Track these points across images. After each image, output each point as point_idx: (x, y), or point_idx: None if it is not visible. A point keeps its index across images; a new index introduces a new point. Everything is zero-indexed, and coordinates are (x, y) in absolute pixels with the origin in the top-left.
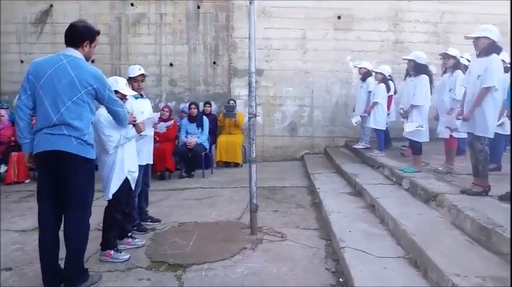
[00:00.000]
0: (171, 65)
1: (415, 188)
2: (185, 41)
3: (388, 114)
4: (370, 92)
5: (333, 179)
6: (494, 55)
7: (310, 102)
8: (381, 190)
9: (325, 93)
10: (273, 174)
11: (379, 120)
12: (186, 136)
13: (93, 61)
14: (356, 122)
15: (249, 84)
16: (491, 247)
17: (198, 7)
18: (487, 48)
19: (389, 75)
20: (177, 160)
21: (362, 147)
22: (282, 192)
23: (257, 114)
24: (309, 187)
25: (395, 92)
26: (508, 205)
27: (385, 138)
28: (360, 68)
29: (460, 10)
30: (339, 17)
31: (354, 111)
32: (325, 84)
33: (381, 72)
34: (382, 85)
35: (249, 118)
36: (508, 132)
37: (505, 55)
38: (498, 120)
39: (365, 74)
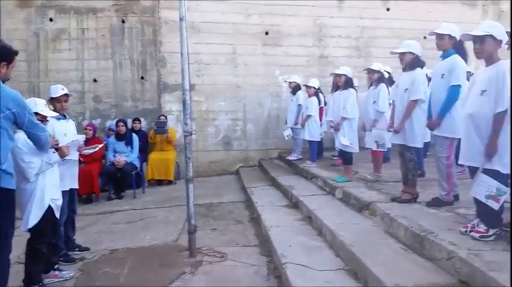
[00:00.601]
0: (95, 80)
1: (348, 198)
2: (109, 56)
3: (320, 125)
4: (300, 105)
5: (269, 192)
6: (418, 69)
7: (243, 116)
8: (317, 201)
9: (257, 106)
10: (209, 190)
11: (313, 132)
12: (114, 155)
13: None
14: (288, 135)
15: (183, 102)
16: (425, 254)
17: (123, 21)
18: (411, 62)
19: (318, 88)
20: (105, 180)
21: (295, 158)
22: (219, 208)
23: (193, 132)
24: (246, 201)
25: (325, 104)
26: (434, 210)
27: (317, 149)
28: (290, 82)
29: (379, 25)
30: (266, 33)
31: (286, 123)
32: (257, 98)
33: (313, 87)
34: (314, 98)
35: (185, 136)
36: (428, 139)
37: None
38: None
39: (295, 88)
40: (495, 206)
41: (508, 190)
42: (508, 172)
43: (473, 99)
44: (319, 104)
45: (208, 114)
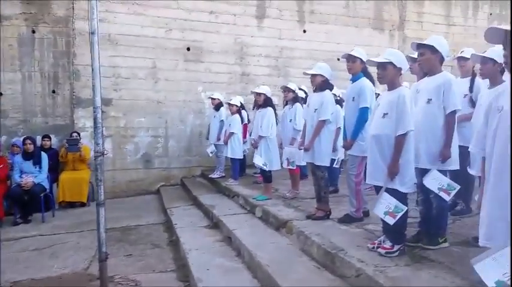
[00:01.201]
0: (1, 94)
1: (267, 216)
2: (17, 67)
3: (244, 142)
4: (222, 121)
5: (190, 212)
6: (327, 91)
7: (164, 133)
8: (237, 221)
9: (180, 123)
10: (127, 211)
11: (235, 149)
12: (20, 176)
13: None
14: (211, 152)
15: (94, 119)
16: (336, 271)
17: (33, 31)
18: (321, 84)
19: (241, 105)
20: (10, 203)
21: (218, 176)
22: (136, 232)
23: (105, 152)
24: (166, 222)
25: (248, 121)
26: (346, 227)
27: (240, 167)
28: (213, 98)
29: (296, 46)
30: (188, 49)
31: (207, 139)
32: (179, 114)
33: (235, 105)
34: (237, 116)
35: (96, 157)
36: (342, 157)
37: (336, 90)
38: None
39: (218, 105)
40: (391, 222)
41: (405, 207)
42: (408, 191)
43: (376, 122)
44: (243, 121)
45: (127, 130)
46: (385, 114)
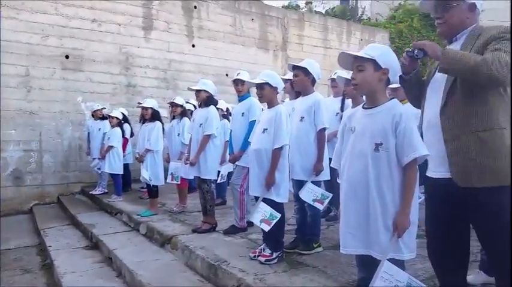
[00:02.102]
0: None
1: (151, 233)
2: None
3: (124, 156)
4: (105, 133)
5: (67, 232)
6: (212, 106)
7: (38, 146)
8: (119, 240)
9: (56, 135)
10: None
11: (114, 164)
12: None
13: None
14: (98, 168)
15: None
16: (219, 283)
17: None
18: (206, 100)
19: (123, 118)
20: None
21: (100, 192)
22: (3, 257)
23: None
24: (39, 245)
25: (131, 135)
26: (230, 238)
27: (124, 182)
28: (97, 110)
29: (185, 60)
30: (67, 56)
31: (88, 154)
32: (56, 127)
33: (116, 117)
34: (117, 129)
35: None
36: (230, 170)
37: (223, 104)
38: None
39: (102, 116)
40: (266, 228)
41: (279, 215)
42: (283, 201)
43: (257, 137)
44: (124, 134)
45: None
46: (264, 130)
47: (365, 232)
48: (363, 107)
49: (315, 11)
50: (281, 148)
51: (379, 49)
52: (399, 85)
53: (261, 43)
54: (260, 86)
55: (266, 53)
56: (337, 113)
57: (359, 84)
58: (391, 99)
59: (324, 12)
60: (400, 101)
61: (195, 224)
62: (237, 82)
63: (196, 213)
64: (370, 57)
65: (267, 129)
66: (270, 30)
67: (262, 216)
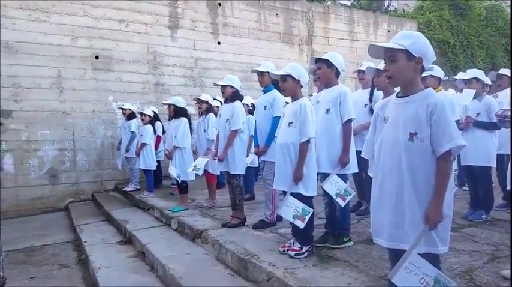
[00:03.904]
0: None
1: (182, 227)
2: None
3: (156, 153)
4: (133, 132)
5: (102, 228)
6: (237, 101)
7: (72, 145)
8: (151, 234)
9: (89, 134)
10: (32, 231)
11: (147, 161)
12: None
13: None
14: (120, 164)
15: None
16: (249, 277)
17: None
18: (232, 95)
19: (155, 116)
20: None
21: (132, 189)
22: (41, 252)
23: (1, 168)
24: (75, 241)
25: (163, 132)
26: (259, 233)
27: (155, 178)
28: (124, 109)
29: (211, 57)
30: (96, 57)
31: (118, 149)
32: (88, 126)
33: (148, 115)
34: (149, 126)
35: None
36: (256, 165)
37: (249, 100)
38: (247, 156)
39: (129, 115)
40: (301, 225)
41: (311, 210)
42: (311, 194)
43: (283, 131)
44: (156, 132)
45: (30, 144)
46: (290, 124)
47: (399, 224)
48: (397, 96)
49: (341, 3)
50: (308, 141)
51: (411, 37)
52: (428, 74)
53: (286, 38)
54: (283, 79)
55: (291, 47)
56: (366, 105)
57: (393, 76)
58: (426, 87)
59: (349, 5)
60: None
61: (224, 218)
62: (258, 73)
63: (226, 208)
64: (401, 48)
65: (292, 123)
66: (294, 25)
67: (294, 212)
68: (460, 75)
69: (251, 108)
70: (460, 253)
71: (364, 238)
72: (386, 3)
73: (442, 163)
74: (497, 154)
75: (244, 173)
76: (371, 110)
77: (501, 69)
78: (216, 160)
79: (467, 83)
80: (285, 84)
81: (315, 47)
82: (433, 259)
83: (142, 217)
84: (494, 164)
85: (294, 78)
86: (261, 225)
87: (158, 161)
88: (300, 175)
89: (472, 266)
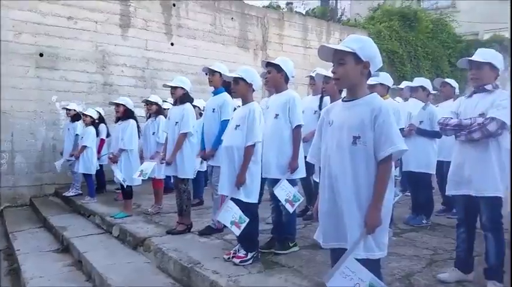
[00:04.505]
0: None
1: (124, 235)
2: None
3: (98, 158)
4: (77, 135)
5: (38, 235)
6: (188, 104)
7: (10, 147)
8: (90, 242)
9: (29, 136)
10: None
11: (88, 164)
12: None
13: None
14: (59, 167)
15: None
16: (191, 286)
17: None
18: (182, 97)
19: (99, 118)
20: None
21: (73, 194)
22: None
23: None
24: (7, 249)
25: (107, 135)
26: (205, 239)
27: (99, 183)
28: (69, 109)
29: (164, 58)
30: (41, 54)
31: (61, 155)
32: (29, 126)
33: (90, 115)
34: (91, 128)
35: None
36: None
37: (201, 103)
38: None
39: (74, 117)
40: (236, 232)
41: (247, 219)
42: (252, 201)
43: (229, 133)
44: (99, 135)
45: None
46: (237, 126)
47: (342, 227)
48: (343, 100)
49: (296, 11)
50: (253, 145)
51: (360, 41)
52: (378, 82)
53: (241, 42)
54: (235, 81)
55: (246, 52)
56: (315, 111)
57: (340, 78)
58: (371, 93)
59: (304, 13)
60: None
61: (169, 225)
62: (208, 72)
63: (172, 214)
64: (350, 51)
65: (239, 125)
66: (250, 30)
67: (232, 218)
68: (405, 84)
69: (203, 111)
70: (401, 258)
71: (310, 242)
72: (339, 13)
73: (382, 167)
74: (437, 161)
75: (193, 177)
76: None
77: (446, 79)
78: (164, 164)
79: (414, 90)
80: (237, 87)
81: (270, 52)
82: (373, 264)
83: (82, 224)
84: (433, 171)
85: (246, 82)
86: (207, 231)
87: (101, 165)
88: (242, 179)
89: (411, 270)
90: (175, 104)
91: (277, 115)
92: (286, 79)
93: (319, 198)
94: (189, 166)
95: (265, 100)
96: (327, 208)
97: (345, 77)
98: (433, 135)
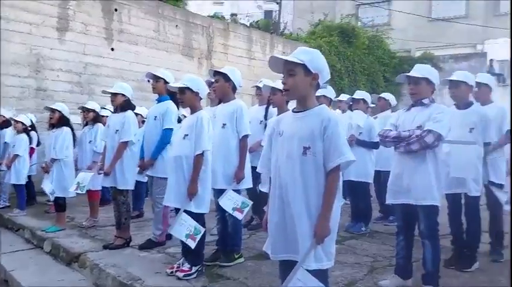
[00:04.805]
0: None
1: (57, 250)
2: None
3: (30, 166)
4: (6, 143)
5: None
6: (129, 111)
7: None
8: (19, 259)
9: None
10: None
11: (19, 175)
12: None
13: None
14: None
15: None
16: None
17: None
18: (123, 104)
19: (31, 125)
20: None
21: (1, 206)
22: None
23: None
24: None
25: (38, 144)
26: (146, 253)
27: (28, 194)
28: None
29: (103, 64)
30: None
31: None
32: None
33: (21, 122)
34: (23, 135)
35: None
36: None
37: (143, 110)
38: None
39: (3, 123)
40: (192, 245)
41: (202, 229)
42: (204, 211)
43: (177, 143)
44: (31, 143)
45: None
46: (185, 136)
47: (291, 238)
48: (293, 111)
49: (240, 23)
50: (202, 154)
51: (309, 53)
52: (321, 94)
53: (185, 50)
54: (181, 91)
55: (191, 60)
56: (261, 122)
57: (290, 89)
58: (320, 104)
59: (248, 25)
60: None
61: (107, 239)
62: (152, 78)
63: (109, 227)
64: (300, 62)
65: (187, 135)
66: (194, 38)
67: (187, 230)
68: (343, 97)
69: (145, 119)
70: (343, 266)
71: (255, 253)
72: (282, 26)
73: (331, 177)
74: (375, 171)
75: (133, 188)
76: (266, 127)
77: (382, 93)
78: (102, 174)
79: (356, 102)
80: (184, 97)
81: (215, 62)
82: (322, 274)
83: (10, 239)
84: (371, 180)
85: (192, 91)
86: (148, 245)
87: (29, 176)
88: (194, 190)
89: (354, 278)
90: (115, 111)
91: (224, 125)
92: (234, 89)
93: (268, 208)
94: (130, 176)
95: (213, 109)
96: (277, 219)
97: (294, 88)
98: (371, 146)
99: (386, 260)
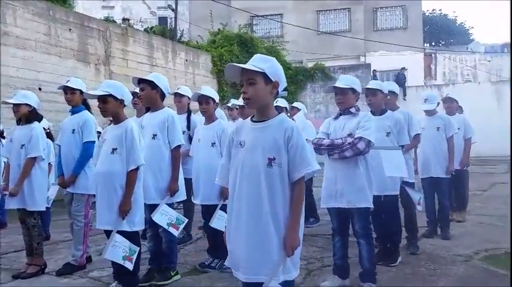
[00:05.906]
0: None
1: None
2: None
3: None
4: None
5: None
6: (36, 123)
7: None
8: None
9: None
10: None
11: None
12: None
13: None
14: None
15: None
16: None
17: None
18: (28, 115)
19: None
20: None
21: None
22: None
23: None
24: None
25: None
26: (67, 279)
27: None
28: None
29: None
30: None
31: None
32: None
33: None
34: None
35: None
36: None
37: (45, 122)
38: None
39: None
40: (130, 266)
41: (137, 248)
42: (138, 229)
43: (104, 158)
44: None
45: None
46: (114, 150)
47: (256, 255)
48: (252, 120)
49: (137, 29)
50: (137, 169)
51: (268, 61)
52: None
53: (80, 55)
54: (103, 99)
55: (87, 66)
56: (184, 132)
57: (251, 98)
58: (279, 113)
59: (143, 31)
60: None
61: (14, 267)
62: (66, 90)
63: (13, 254)
64: (260, 70)
65: (116, 149)
66: (90, 43)
67: (123, 252)
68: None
69: (48, 130)
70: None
71: (189, 268)
72: (179, 34)
73: (297, 187)
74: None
75: (45, 209)
76: (190, 138)
77: (294, 103)
78: (7, 195)
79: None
80: (107, 106)
81: (114, 68)
82: (290, 285)
83: None
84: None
85: (116, 98)
86: (67, 270)
87: None
88: (127, 206)
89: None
90: (18, 123)
91: (155, 135)
92: (162, 96)
93: (228, 221)
94: (40, 196)
95: (139, 119)
96: (235, 233)
97: (256, 97)
98: None
99: (319, 262)
